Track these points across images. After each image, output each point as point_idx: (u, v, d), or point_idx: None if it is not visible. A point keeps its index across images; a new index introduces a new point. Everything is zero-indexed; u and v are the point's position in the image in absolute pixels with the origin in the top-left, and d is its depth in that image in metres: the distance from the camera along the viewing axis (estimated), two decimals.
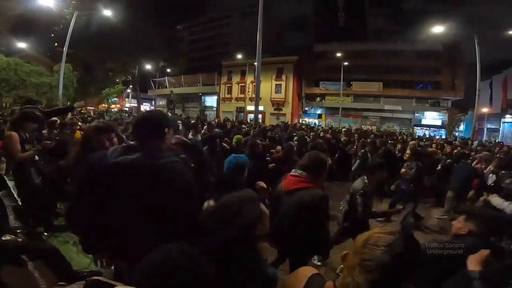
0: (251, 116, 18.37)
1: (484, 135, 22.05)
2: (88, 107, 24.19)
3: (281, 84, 30.84)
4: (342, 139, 9.74)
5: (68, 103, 22.39)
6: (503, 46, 25.58)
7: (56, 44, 31.65)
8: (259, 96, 11.19)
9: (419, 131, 25.63)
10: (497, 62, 25.47)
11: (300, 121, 28.66)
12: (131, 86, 37.77)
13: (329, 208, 1.96)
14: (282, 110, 30.46)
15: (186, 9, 47.87)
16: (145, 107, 39.69)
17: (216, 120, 17.06)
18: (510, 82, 21.54)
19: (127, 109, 33.14)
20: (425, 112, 28.30)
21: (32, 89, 18.99)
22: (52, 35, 34.56)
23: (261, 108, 29.29)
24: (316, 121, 30.72)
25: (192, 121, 12.26)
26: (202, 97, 37.05)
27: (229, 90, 33.98)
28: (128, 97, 40.19)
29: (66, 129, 4.97)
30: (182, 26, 47.49)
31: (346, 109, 28.52)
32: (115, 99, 34.61)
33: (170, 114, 20.20)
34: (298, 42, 33.57)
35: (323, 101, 31.83)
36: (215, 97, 35.80)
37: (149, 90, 40.06)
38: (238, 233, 1.22)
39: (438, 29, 14.34)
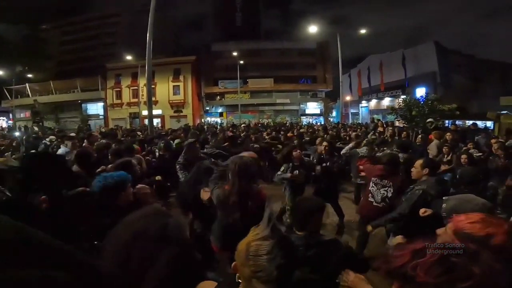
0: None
1: (349, 119, 27.81)
2: None
3: (179, 85, 29.64)
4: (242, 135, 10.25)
5: None
6: (357, 43, 32.98)
7: None
8: (151, 99, 10.44)
9: (304, 120, 29.89)
10: (354, 57, 32.67)
11: (202, 121, 28.50)
12: None
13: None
14: (182, 112, 29.39)
15: (54, 8, 39.45)
16: (1, 121, 30.57)
17: (103, 129, 14.81)
18: (363, 74, 27.79)
19: None
20: (307, 103, 33.29)
21: None
22: None
23: (159, 111, 27.50)
24: (219, 119, 31.24)
25: (71, 134, 10.28)
26: (83, 105, 31.36)
27: (119, 95, 30.13)
28: None
29: None
30: (50, 26, 38.89)
31: (244, 106, 30.21)
32: None
33: (36, 128, 16.21)
34: (196, 42, 33.34)
35: (223, 99, 32.66)
36: (100, 104, 30.94)
37: (3, 101, 30.93)
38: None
39: (312, 29, 16.38)
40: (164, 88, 29.00)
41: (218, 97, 33.05)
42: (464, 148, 5.36)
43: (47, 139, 7.78)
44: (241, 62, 26.74)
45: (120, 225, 0.94)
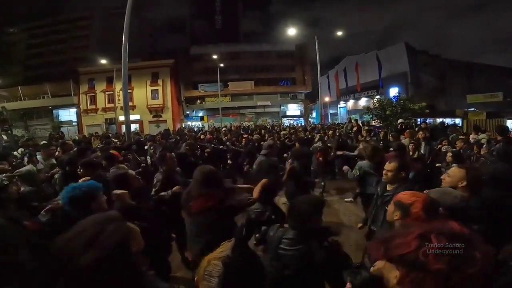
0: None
1: (329, 119, 28.52)
2: None
3: (157, 89, 28.97)
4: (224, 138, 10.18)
5: None
6: (335, 45, 33.91)
7: None
8: (128, 103, 10.07)
9: (285, 122, 30.29)
10: (332, 58, 33.53)
11: (183, 126, 28.03)
12: None
13: None
14: (161, 116, 28.73)
15: (24, 10, 37.25)
16: None
17: (78, 137, 14.12)
18: (340, 75, 28.59)
19: None
20: (287, 105, 33.76)
21: None
22: None
23: (137, 117, 26.73)
24: (199, 123, 30.85)
25: (43, 142, 9.70)
26: (54, 111, 29.77)
27: (93, 100, 28.92)
28: None
29: None
30: (17, 29, 36.71)
31: (225, 109, 30.07)
32: None
33: (4, 137, 15.16)
34: (174, 45, 32.69)
35: (204, 103, 32.34)
36: (73, 110, 29.52)
37: None
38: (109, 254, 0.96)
39: (291, 31, 16.40)
40: (142, 93, 28.23)
41: (199, 100, 32.66)
42: (439, 146, 5.63)
43: (17, 152, 7.26)
44: (221, 65, 26.61)
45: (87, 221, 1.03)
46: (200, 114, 32.85)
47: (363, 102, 26.26)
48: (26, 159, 5.12)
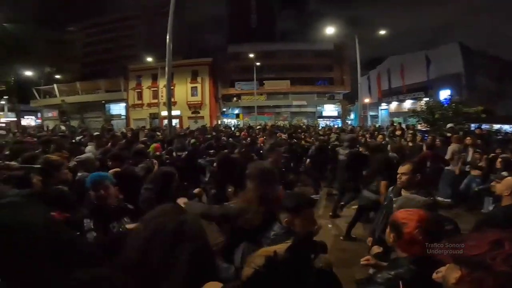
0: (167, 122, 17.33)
1: (368, 121, 27.10)
2: None
3: (197, 87, 30.24)
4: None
5: None
6: (376, 45, 32.22)
7: None
8: (171, 100, 10.70)
9: (321, 122, 29.54)
10: (373, 58, 31.85)
11: (219, 122, 28.89)
12: (5, 97, 30.10)
13: None
14: (199, 113, 29.94)
15: (79, 9, 41.31)
16: (29, 120, 32.41)
17: (125, 129, 15.36)
18: (382, 75, 27.12)
19: (3, 124, 26.27)
20: (324, 105, 32.87)
21: None
22: None
23: (177, 112, 28.16)
24: (235, 121, 31.51)
25: (96, 133, 10.74)
26: (106, 105, 32.71)
27: (140, 96, 31.19)
28: (2, 110, 31.90)
29: None
30: (75, 28, 40.73)
31: (260, 107, 30.30)
32: None
33: (63, 127, 17.10)
34: (212, 44, 33.73)
35: (240, 101, 32.95)
36: (123, 104, 32.14)
37: (32, 101, 32.82)
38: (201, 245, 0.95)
39: (329, 30, 16.03)
40: (182, 90, 29.67)
41: (235, 98, 33.36)
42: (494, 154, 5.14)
43: (76, 139, 8.21)
44: (257, 63, 26.85)
45: (140, 222, 1.02)
46: (236, 111, 33.52)
47: (407, 104, 24.55)
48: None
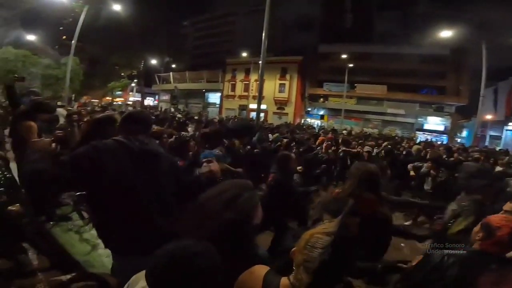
0: (254, 114, 18.47)
1: (486, 142, 21.95)
2: (92, 100, 24.47)
3: (285, 84, 30.87)
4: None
5: (73, 95, 22.69)
6: (510, 52, 25.42)
7: (64, 37, 31.91)
8: (261, 94, 11.29)
9: (421, 136, 25.59)
10: (503, 68, 25.25)
11: (303, 121, 28.75)
12: (135, 81, 38.06)
13: None
14: (284, 109, 30.51)
15: (192, 5, 47.52)
16: (149, 101, 39.93)
17: (218, 117, 17.17)
18: None
19: (131, 102, 33.41)
20: (427, 117, 28.21)
21: (38, 81, 19.24)
22: (61, 28, 34.80)
23: (263, 106, 29.48)
24: (319, 121, 30.74)
25: (196, 117, 12.51)
26: (206, 94, 37.18)
27: (233, 88, 34.07)
28: (132, 91, 40.50)
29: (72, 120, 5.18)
30: (188, 23, 47.28)
31: (348, 111, 28.51)
32: (119, 92, 34.96)
33: (173, 109, 20.37)
34: (303, 42, 33.39)
35: (326, 102, 31.83)
36: (218, 94, 35.90)
37: (153, 85, 40.25)
38: (237, 219, 1.04)
39: (446, 33, 14.20)
40: (271, 85, 30.72)
41: (322, 99, 32.44)
42: None
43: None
44: (350, 65, 25.31)
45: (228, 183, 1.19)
46: (321, 112, 32.61)
47: None
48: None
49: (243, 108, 30.35)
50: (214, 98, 36.78)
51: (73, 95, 22.35)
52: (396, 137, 17.34)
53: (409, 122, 28.72)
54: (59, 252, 2.30)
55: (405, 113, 28.35)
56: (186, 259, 0.77)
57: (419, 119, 28.55)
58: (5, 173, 2.28)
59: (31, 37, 21.98)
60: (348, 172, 2.08)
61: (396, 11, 35.91)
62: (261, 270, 1.00)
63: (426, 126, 28.10)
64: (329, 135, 10.18)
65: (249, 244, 1.15)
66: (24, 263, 2.28)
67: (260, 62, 10.20)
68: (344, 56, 25.76)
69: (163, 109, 22.55)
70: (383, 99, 29.27)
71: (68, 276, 1.70)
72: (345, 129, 18.76)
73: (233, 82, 34.09)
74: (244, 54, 28.44)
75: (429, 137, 25.17)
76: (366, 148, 6.36)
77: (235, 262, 0.99)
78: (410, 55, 28.20)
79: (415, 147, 8.07)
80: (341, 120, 25.93)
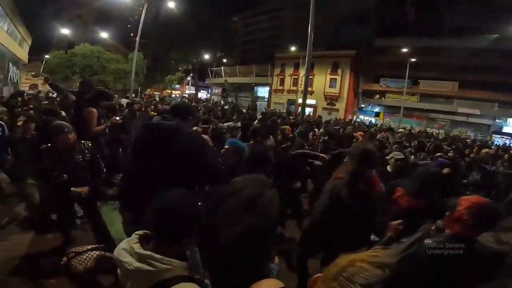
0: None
1: None
2: (154, 92, 26.88)
3: (336, 79, 29.35)
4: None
5: (139, 88, 25.18)
6: None
7: (132, 34, 35.54)
8: (307, 89, 10.98)
9: (498, 140, 21.80)
10: None
11: (355, 118, 27.06)
12: (191, 74, 40.51)
13: None
14: (335, 105, 29.07)
15: (241, 1, 47.89)
16: (202, 94, 42.17)
17: (265, 109, 17.15)
18: None
19: (186, 95, 35.72)
20: (509, 119, 23.84)
21: (110, 74, 21.78)
22: (129, 25, 38.80)
23: (313, 101, 28.59)
24: (373, 119, 28.58)
25: (242, 109, 12.82)
26: (255, 88, 37.61)
27: (282, 82, 33.76)
28: (188, 84, 43.24)
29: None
30: (238, 18, 48.09)
31: (409, 109, 25.86)
32: (177, 85, 37.68)
33: (222, 102, 21.09)
34: (356, 36, 31.08)
35: (383, 98, 29.36)
36: (267, 88, 35.99)
37: (206, 79, 42.23)
38: (258, 224, 0.90)
39: None
40: (321, 80, 29.56)
41: (378, 95, 30.04)
42: None
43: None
44: (412, 60, 22.75)
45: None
46: (376, 109, 30.26)
47: None
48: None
49: (292, 102, 29.91)
50: (263, 92, 37.01)
51: (139, 88, 24.75)
52: (468, 140, 15.02)
53: (485, 124, 24.72)
54: (102, 229, 2.51)
55: (481, 113, 24.43)
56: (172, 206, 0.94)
57: (498, 120, 24.34)
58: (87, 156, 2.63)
59: (103, 35, 24.95)
60: (348, 152, 2.17)
61: (468, 4, 30.54)
62: (271, 285, 0.83)
63: (505, 129, 23.83)
64: (359, 132, 9.16)
65: (268, 254, 1.02)
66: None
67: (306, 55, 9.93)
68: (405, 50, 23.55)
69: (214, 102, 23.56)
70: (453, 97, 25.73)
71: (89, 247, 1.86)
72: (404, 128, 16.94)
73: (282, 76, 33.75)
74: (293, 49, 27.75)
75: (508, 141, 21.35)
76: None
77: (248, 273, 0.84)
78: (489, 50, 23.96)
79: (483, 151, 6.74)
80: (400, 118, 23.63)
